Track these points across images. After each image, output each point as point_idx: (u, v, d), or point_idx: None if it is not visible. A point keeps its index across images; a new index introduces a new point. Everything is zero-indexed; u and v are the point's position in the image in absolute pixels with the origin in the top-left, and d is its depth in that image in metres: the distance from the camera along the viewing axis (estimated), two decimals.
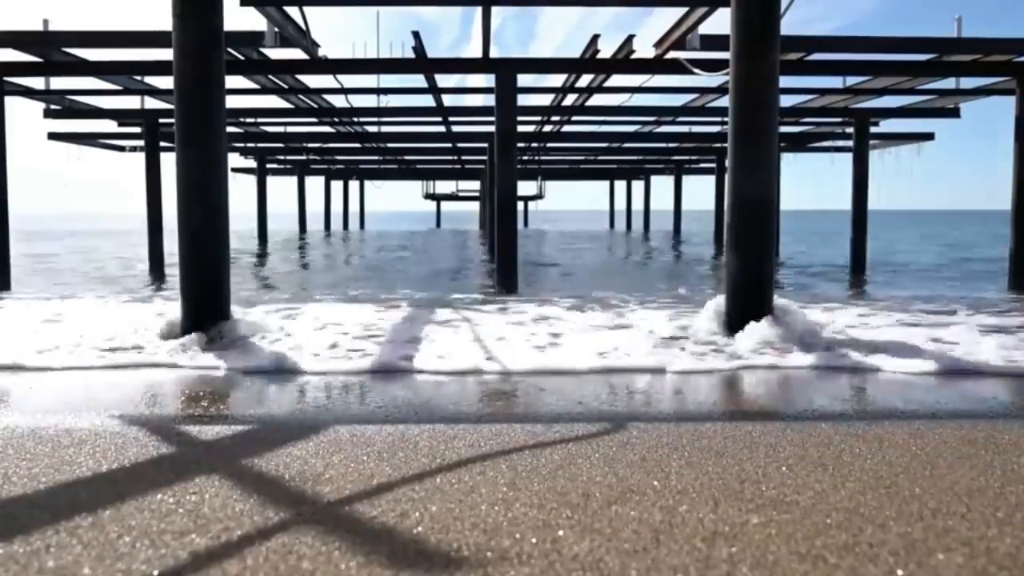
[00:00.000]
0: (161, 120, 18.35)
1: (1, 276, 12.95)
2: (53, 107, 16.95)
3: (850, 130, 18.99)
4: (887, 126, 21.05)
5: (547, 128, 21.04)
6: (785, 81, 8.86)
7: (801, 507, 2.97)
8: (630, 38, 11.82)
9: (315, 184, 44.10)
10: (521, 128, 14.47)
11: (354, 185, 51.84)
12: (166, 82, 14.33)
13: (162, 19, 7.54)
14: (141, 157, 19.30)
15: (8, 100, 13.06)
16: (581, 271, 18.61)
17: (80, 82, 14.71)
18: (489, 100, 15.01)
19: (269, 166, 32.57)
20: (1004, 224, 12.84)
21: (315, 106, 16.92)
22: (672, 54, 11.23)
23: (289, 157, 30.66)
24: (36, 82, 14.21)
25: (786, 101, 16.82)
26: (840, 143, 23.52)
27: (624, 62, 12.37)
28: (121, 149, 24.83)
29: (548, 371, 5.72)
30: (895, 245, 29.91)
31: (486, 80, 14.79)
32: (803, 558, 2.53)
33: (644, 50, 11.99)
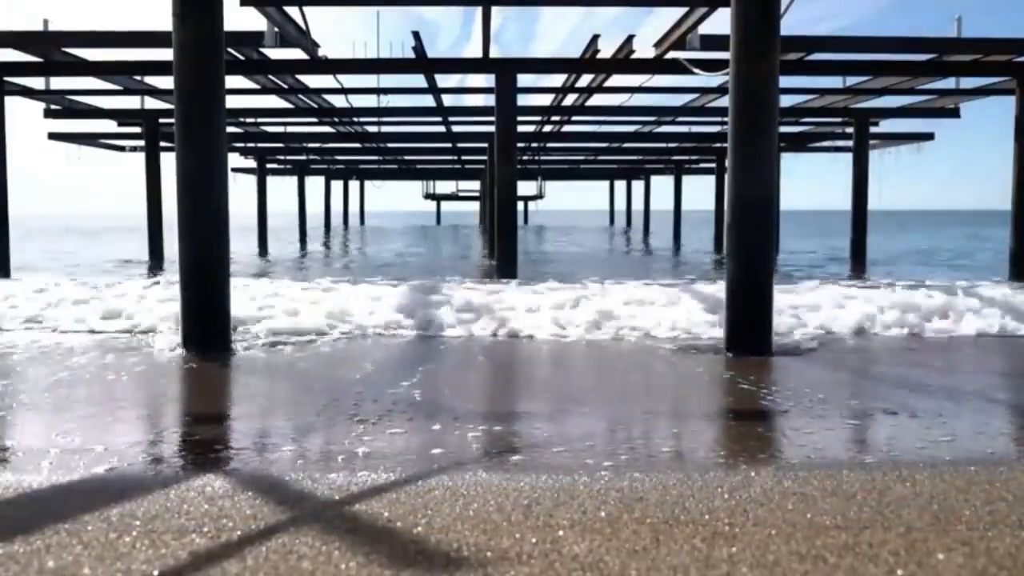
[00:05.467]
0: (161, 120, 18.36)
1: (2, 272, 12.97)
2: (53, 107, 16.96)
3: (850, 130, 19.00)
4: (887, 126, 21.06)
5: (547, 128, 21.04)
6: (785, 81, 8.87)
7: None
8: (630, 38, 11.82)
9: (315, 184, 44.08)
10: (521, 128, 14.46)
11: (354, 185, 51.86)
12: (166, 82, 14.33)
13: (162, 19, 7.55)
14: (141, 157, 19.32)
15: (8, 100, 13.07)
16: None
17: (80, 82, 14.72)
18: (489, 100, 15.02)
19: (269, 166, 32.55)
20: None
21: (315, 106, 16.92)
22: (672, 54, 11.24)
23: (289, 157, 30.65)
24: (36, 82, 14.22)
25: (786, 101, 16.83)
26: (840, 143, 23.53)
27: (624, 62, 12.38)
28: (121, 149, 24.83)
29: None
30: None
31: (486, 80, 14.80)
32: (803, 558, 2.53)
33: (644, 50, 12.01)
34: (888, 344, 7.23)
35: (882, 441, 4.19)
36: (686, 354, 6.67)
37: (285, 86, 14.34)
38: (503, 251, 13.09)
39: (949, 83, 14.39)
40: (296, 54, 11.60)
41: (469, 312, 7.95)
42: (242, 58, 11.95)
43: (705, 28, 10.40)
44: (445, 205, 59.07)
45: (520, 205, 32.75)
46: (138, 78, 14.13)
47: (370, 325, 7.62)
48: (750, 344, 6.69)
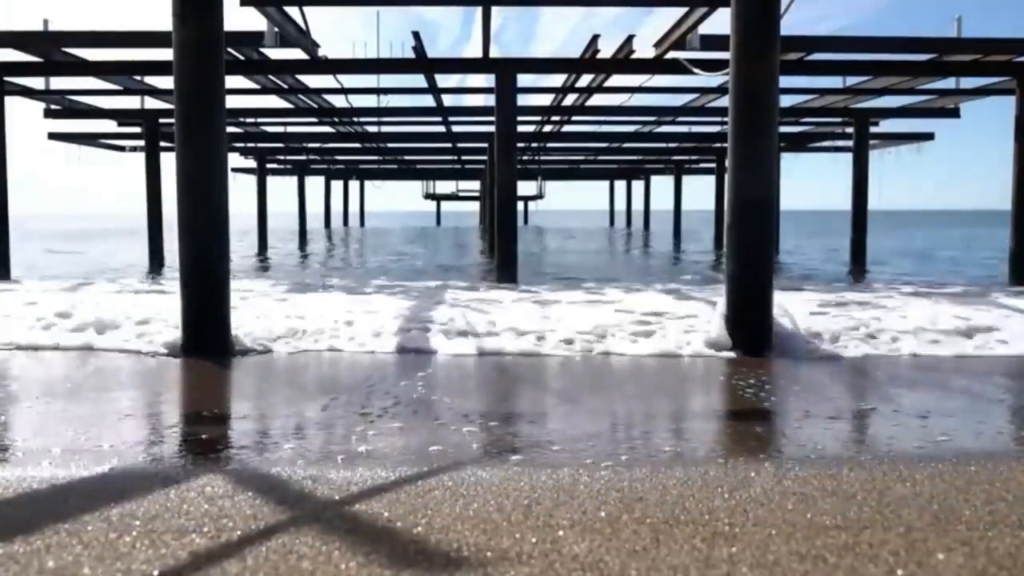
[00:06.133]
0: (161, 120, 18.35)
1: (2, 271, 12.97)
2: (53, 107, 16.96)
3: (850, 130, 19.00)
4: (887, 126, 21.05)
5: (547, 128, 21.03)
6: (785, 81, 8.87)
7: None
8: (630, 38, 11.82)
9: (315, 184, 44.12)
10: (521, 128, 14.46)
11: (354, 185, 51.87)
12: (166, 82, 14.33)
13: (162, 19, 7.54)
14: (141, 157, 19.31)
15: (8, 100, 13.06)
16: None
17: (80, 82, 14.71)
18: (489, 100, 15.01)
19: (269, 166, 32.55)
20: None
21: (315, 106, 16.92)
22: (672, 54, 11.23)
23: (289, 157, 30.65)
24: (36, 82, 14.21)
25: (786, 101, 16.82)
26: (840, 143, 23.52)
27: (624, 62, 12.37)
28: (121, 149, 24.84)
29: None
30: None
31: (486, 80, 14.79)
32: (803, 558, 2.53)
33: (644, 50, 12.00)
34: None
35: (856, 434, 4.26)
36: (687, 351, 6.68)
37: (285, 86, 14.33)
38: (503, 251, 13.09)
39: (949, 83, 14.39)
40: (296, 54, 11.60)
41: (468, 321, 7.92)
42: (242, 58, 11.95)
43: (705, 28, 10.39)
44: (445, 205, 59.07)
45: (520, 205, 32.71)
46: (138, 78, 14.13)
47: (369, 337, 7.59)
48: (749, 343, 6.69)
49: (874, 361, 6.36)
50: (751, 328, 6.81)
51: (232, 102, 9.24)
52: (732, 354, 6.53)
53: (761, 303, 6.89)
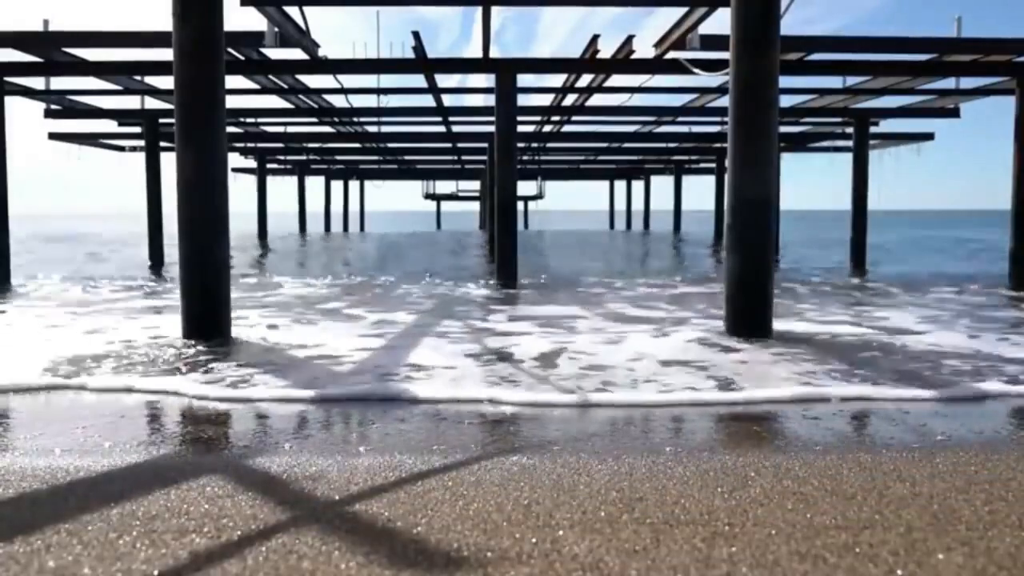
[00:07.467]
0: (161, 120, 18.36)
1: (1, 273, 12.95)
2: (53, 107, 16.96)
3: (850, 130, 18.99)
4: (887, 126, 21.05)
5: (547, 128, 21.03)
6: (785, 81, 8.87)
7: None
8: (630, 38, 11.82)
9: (315, 184, 44.14)
10: (521, 128, 14.47)
11: (354, 185, 51.87)
12: (166, 82, 14.33)
13: (162, 19, 7.55)
14: (141, 157, 19.31)
15: (8, 100, 13.06)
16: None
17: (80, 82, 14.71)
18: (489, 100, 15.01)
19: (269, 166, 32.55)
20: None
21: (315, 106, 16.92)
22: (672, 54, 11.23)
23: (289, 157, 30.66)
24: (36, 82, 14.21)
25: (786, 101, 16.81)
26: (840, 143, 23.53)
27: (624, 62, 12.37)
28: (121, 149, 24.85)
29: None
30: None
31: (486, 80, 14.80)
32: (803, 558, 2.53)
33: (644, 50, 12.01)
34: None
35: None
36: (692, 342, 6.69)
37: (285, 86, 14.33)
38: (503, 250, 13.10)
39: (949, 83, 14.40)
40: (296, 54, 11.60)
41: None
42: (242, 58, 11.94)
43: (705, 28, 10.39)
44: (445, 205, 58.99)
45: (520, 205, 32.72)
46: (138, 78, 14.12)
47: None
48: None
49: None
50: (750, 324, 6.83)
51: (232, 102, 9.28)
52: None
53: (761, 299, 6.91)
